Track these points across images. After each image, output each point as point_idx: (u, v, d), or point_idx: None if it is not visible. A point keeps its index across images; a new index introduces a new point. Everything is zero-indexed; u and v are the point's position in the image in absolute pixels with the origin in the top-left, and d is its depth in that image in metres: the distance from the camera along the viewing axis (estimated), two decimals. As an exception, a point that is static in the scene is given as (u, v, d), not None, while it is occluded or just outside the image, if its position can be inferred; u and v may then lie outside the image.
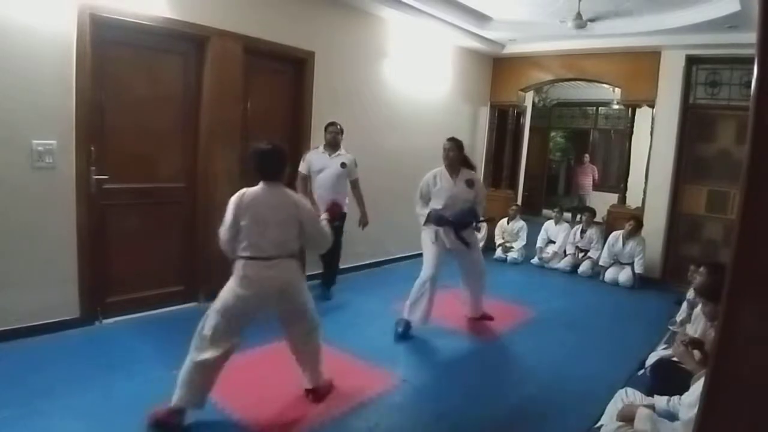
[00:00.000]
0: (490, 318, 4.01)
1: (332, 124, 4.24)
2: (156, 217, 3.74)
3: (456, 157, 3.62)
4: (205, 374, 2.32)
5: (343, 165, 4.18)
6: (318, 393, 2.66)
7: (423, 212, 3.69)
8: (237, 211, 2.35)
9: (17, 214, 2.98)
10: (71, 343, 3.10)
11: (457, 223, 3.61)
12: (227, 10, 3.80)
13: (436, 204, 3.64)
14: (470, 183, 3.66)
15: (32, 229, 3.05)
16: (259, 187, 2.40)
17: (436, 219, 3.61)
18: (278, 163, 2.44)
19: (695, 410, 1.68)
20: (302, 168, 4.22)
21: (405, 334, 3.57)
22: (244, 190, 2.41)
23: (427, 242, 3.67)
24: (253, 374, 2.88)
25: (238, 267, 2.39)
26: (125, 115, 3.47)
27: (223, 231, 2.39)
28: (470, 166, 3.78)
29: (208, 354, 2.30)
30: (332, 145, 4.22)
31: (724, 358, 0.86)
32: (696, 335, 2.80)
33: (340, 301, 4.30)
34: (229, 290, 2.39)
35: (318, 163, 4.17)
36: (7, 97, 2.86)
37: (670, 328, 3.71)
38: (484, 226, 6.52)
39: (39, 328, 3.10)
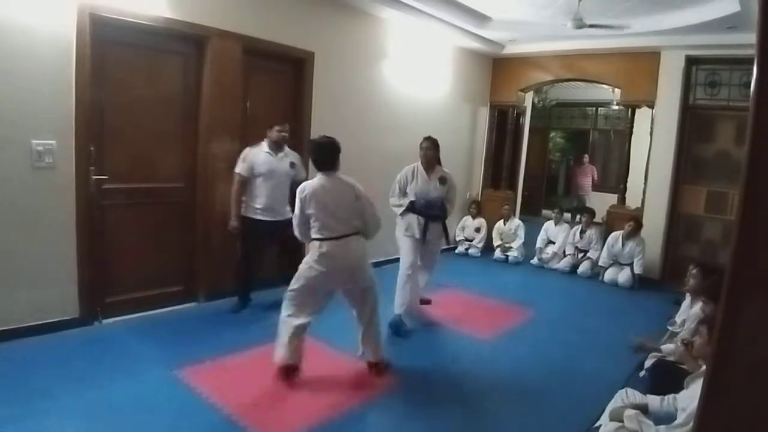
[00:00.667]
0: (428, 302, 4.25)
1: (282, 124, 3.84)
2: (156, 217, 3.73)
3: (433, 155, 3.81)
4: (298, 336, 2.76)
5: (292, 165, 3.86)
6: (380, 367, 2.96)
7: (401, 203, 3.81)
8: (302, 203, 2.75)
9: (16, 214, 2.98)
10: (71, 343, 3.10)
11: (427, 213, 3.76)
12: (227, 10, 3.81)
13: (411, 197, 3.79)
14: (443, 180, 3.83)
15: (32, 229, 3.05)
16: (317, 178, 2.79)
17: (412, 208, 3.78)
18: (334, 154, 2.80)
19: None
20: (242, 169, 3.69)
21: (399, 331, 3.61)
22: (304, 183, 2.83)
23: (401, 236, 3.84)
24: (249, 374, 2.88)
25: (314, 246, 2.78)
26: (125, 115, 3.47)
27: (294, 221, 2.84)
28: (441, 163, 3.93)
29: (298, 320, 2.76)
30: (278, 144, 3.81)
31: (723, 358, 0.86)
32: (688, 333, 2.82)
33: (338, 300, 4.28)
34: (306, 265, 2.79)
35: (264, 164, 3.71)
36: (7, 97, 2.86)
37: (669, 328, 3.71)
38: (483, 226, 6.56)
39: (39, 328, 3.10)
